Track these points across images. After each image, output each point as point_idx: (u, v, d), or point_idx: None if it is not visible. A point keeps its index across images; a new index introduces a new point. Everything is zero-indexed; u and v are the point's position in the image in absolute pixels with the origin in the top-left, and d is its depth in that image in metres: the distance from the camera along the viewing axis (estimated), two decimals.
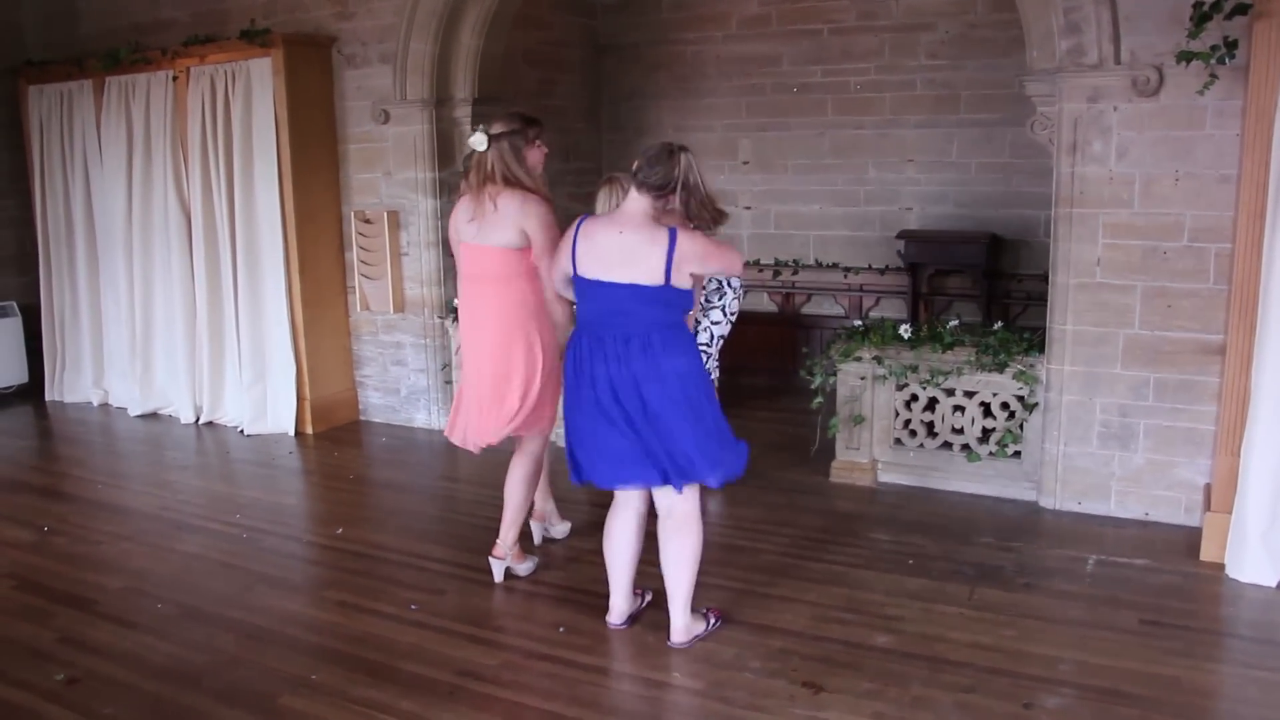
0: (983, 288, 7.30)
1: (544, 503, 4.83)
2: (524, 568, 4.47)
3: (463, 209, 4.24)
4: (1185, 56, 4.33)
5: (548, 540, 4.83)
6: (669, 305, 3.59)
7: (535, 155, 4.25)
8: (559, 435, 4.54)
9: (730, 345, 8.26)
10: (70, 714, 3.44)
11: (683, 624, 3.80)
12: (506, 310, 4.18)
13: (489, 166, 4.13)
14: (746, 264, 8.15)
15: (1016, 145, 7.18)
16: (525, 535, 4.63)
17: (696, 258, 3.57)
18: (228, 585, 4.49)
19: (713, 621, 3.91)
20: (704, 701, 3.45)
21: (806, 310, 8.19)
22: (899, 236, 7.57)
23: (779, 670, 3.62)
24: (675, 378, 3.61)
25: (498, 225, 4.11)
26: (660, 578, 3.85)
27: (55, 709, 3.48)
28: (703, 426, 3.66)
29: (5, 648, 3.94)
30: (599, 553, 3.94)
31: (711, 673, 3.61)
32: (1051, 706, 3.36)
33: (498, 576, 4.42)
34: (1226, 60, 4.25)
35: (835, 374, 5.50)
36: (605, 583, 3.96)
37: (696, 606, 3.89)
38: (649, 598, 4.06)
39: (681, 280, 3.57)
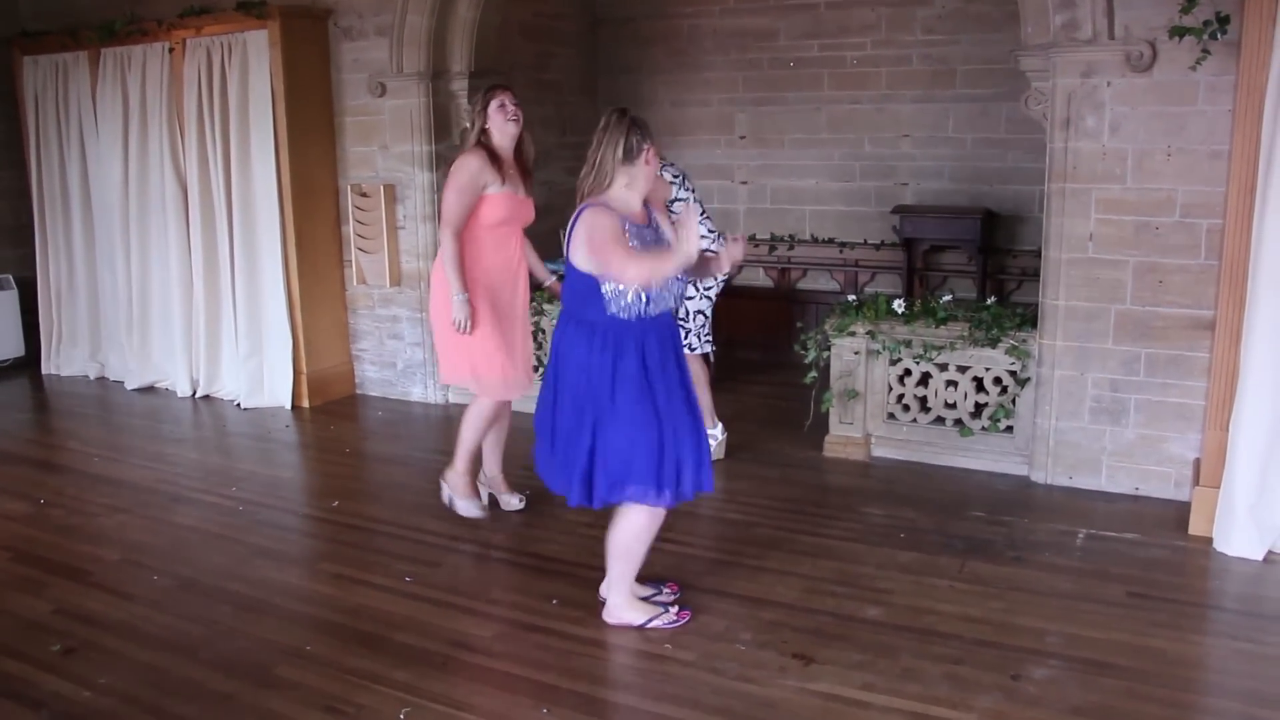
0: (978, 263, 7.31)
1: (493, 470, 4.93)
2: (464, 505, 4.67)
3: None
4: (1178, 31, 4.33)
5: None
6: (571, 282, 3.55)
7: (496, 117, 4.49)
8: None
9: (725, 319, 8.29)
10: (67, 684, 3.48)
11: (613, 604, 3.80)
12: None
13: None
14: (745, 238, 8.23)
15: (1013, 120, 7.18)
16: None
17: (574, 242, 3.48)
18: (224, 557, 4.52)
19: (661, 619, 3.78)
20: (695, 672, 3.48)
21: (802, 285, 8.20)
22: (894, 211, 7.58)
23: (770, 642, 3.66)
24: (567, 361, 3.59)
25: None
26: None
27: (52, 679, 3.51)
28: (561, 429, 3.60)
29: (1, 619, 3.97)
30: (593, 526, 3.96)
31: (703, 644, 3.65)
32: (1039, 677, 3.40)
33: (444, 498, 4.81)
34: (1218, 35, 4.25)
35: (829, 349, 5.52)
36: (600, 556, 3.98)
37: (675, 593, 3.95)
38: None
39: (576, 259, 3.47)
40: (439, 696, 3.36)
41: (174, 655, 3.67)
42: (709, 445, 3.73)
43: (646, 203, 3.64)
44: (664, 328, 3.59)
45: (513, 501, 4.91)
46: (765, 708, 3.27)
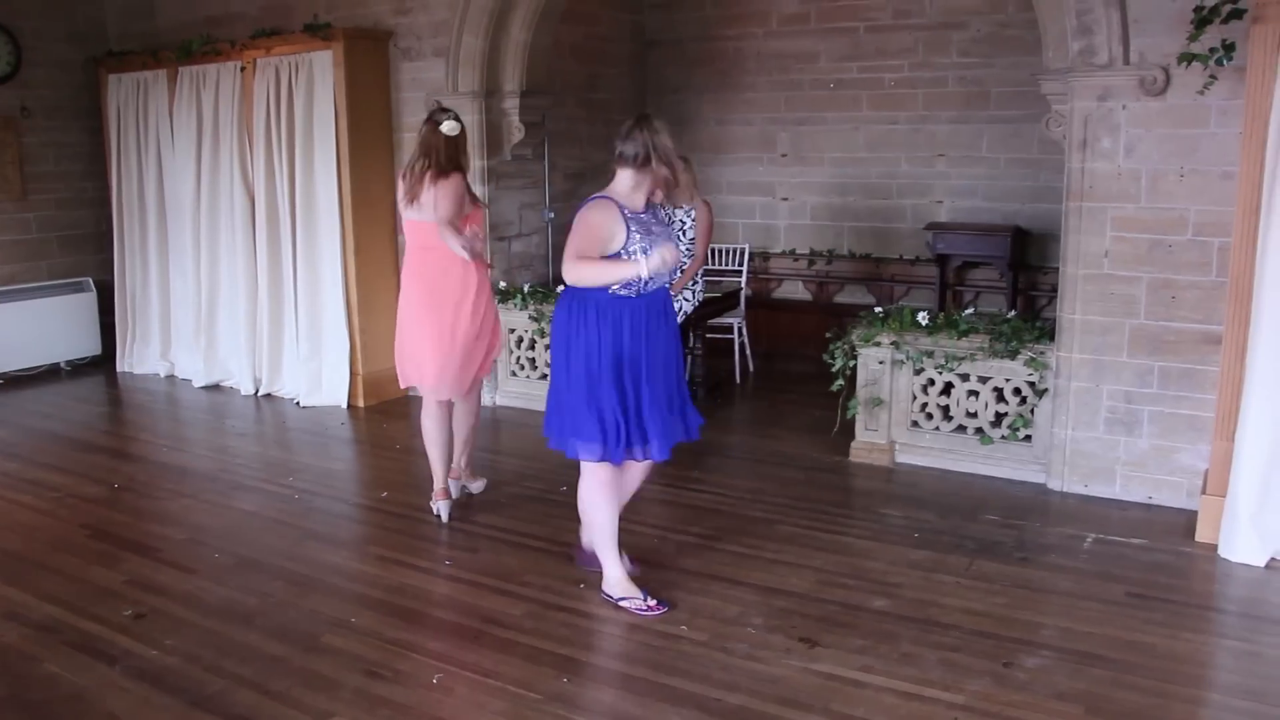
0: (1009, 279, 7.48)
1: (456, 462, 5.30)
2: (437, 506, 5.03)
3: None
4: (1186, 58, 4.52)
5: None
6: None
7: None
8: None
9: (765, 331, 8.53)
10: (138, 644, 3.84)
11: (607, 576, 4.14)
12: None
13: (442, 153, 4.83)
14: (782, 254, 8.52)
15: (1044, 141, 7.28)
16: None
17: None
18: (279, 539, 4.87)
19: (633, 603, 4.05)
20: (707, 651, 3.73)
21: (839, 299, 8.42)
22: (927, 228, 7.78)
23: (779, 626, 3.90)
24: (553, 325, 3.99)
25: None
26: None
27: (125, 639, 3.88)
28: (553, 383, 4.00)
29: (81, 586, 4.35)
30: (623, 519, 4.21)
31: (716, 627, 3.91)
32: (1029, 666, 3.60)
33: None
34: (1224, 62, 4.42)
35: (856, 358, 5.73)
36: (626, 548, 4.26)
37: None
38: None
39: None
40: (470, 665, 3.66)
41: (232, 623, 4.01)
42: (679, 420, 4.05)
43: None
44: (657, 301, 3.94)
45: (474, 486, 5.33)
46: (768, 683, 3.51)
